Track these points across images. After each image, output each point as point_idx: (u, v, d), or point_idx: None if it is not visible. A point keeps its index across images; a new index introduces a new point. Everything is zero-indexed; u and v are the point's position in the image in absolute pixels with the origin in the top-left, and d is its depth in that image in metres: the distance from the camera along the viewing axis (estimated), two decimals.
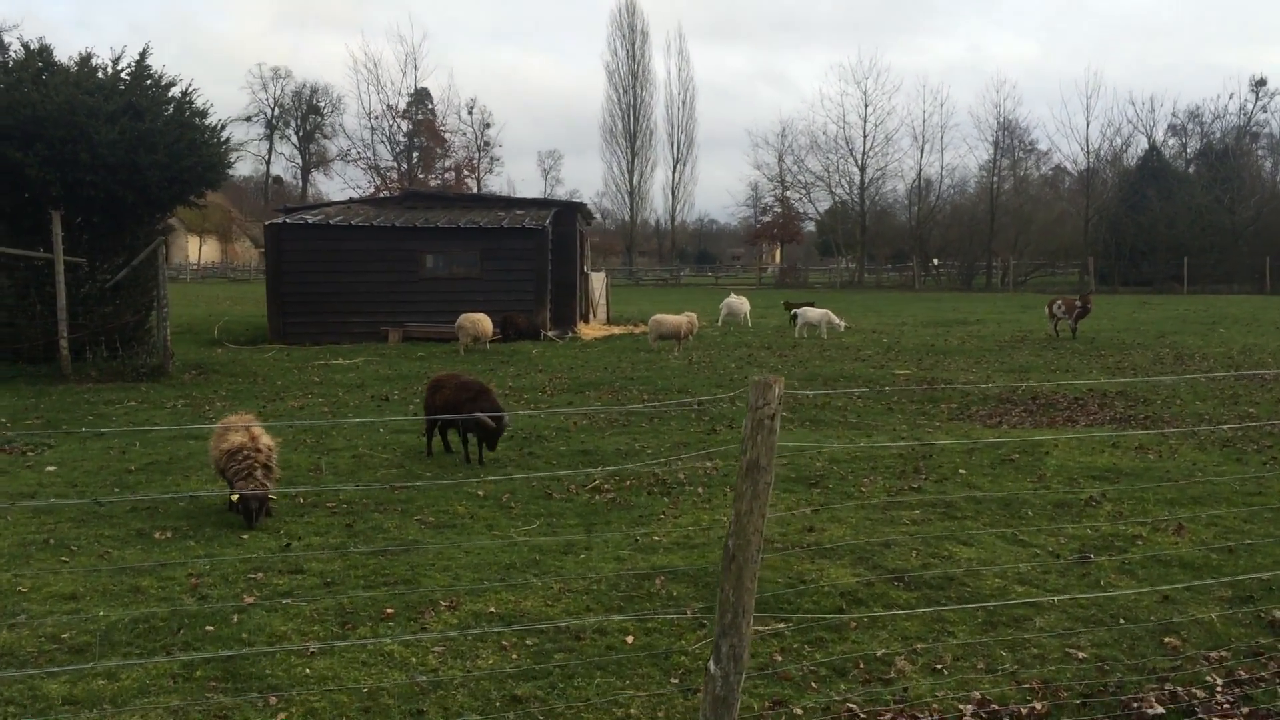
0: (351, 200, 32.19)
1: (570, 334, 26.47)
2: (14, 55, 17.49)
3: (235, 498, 7.96)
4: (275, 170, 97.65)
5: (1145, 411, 13.99)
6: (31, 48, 17.73)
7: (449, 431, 11.05)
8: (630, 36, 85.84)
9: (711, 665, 3.78)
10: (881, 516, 8.36)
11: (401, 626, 5.94)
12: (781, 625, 6.08)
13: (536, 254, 25.63)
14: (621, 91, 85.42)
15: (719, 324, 30.92)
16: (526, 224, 25.59)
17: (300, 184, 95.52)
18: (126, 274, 17.45)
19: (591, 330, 28.83)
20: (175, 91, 18.23)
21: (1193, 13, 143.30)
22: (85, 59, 17.91)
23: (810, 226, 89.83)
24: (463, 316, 21.79)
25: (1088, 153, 74.22)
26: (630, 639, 5.82)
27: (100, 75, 17.64)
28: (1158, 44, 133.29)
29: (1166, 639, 5.91)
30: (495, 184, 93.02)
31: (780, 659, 5.63)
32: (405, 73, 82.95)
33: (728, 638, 3.68)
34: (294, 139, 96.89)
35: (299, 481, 9.64)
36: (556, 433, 12.35)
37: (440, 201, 29.09)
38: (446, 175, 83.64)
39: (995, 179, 75.50)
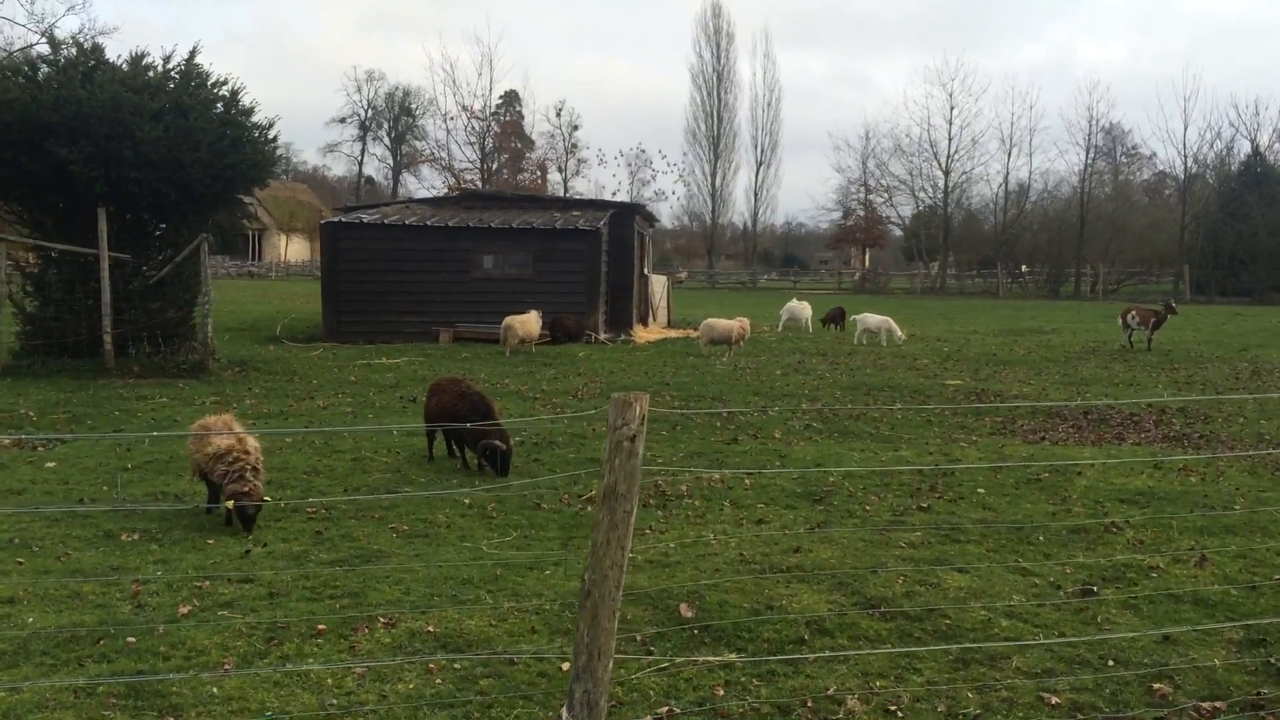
0: (410, 200, 32.32)
1: (624, 337, 26.15)
2: (65, 55, 17.72)
3: (230, 505, 7.78)
4: (368, 171, 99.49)
5: (1203, 430, 13.17)
6: (85, 46, 18.03)
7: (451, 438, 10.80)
8: (715, 39, 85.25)
9: (565, 713, 3.41)
10: (878, 538, 7.86)
11: (331, 645, 5.66)
12: (734, 656, 5.67)
13: (589, 255, 25.36)
14: (705, 94, 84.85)
15: (779, 329, 30.33)
16: (580, 225, 25.33)
17: (391, 184, 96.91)
18: (170, 270, 17.60)
19: (648, 333, 28.48)
20: (224, 91, 18.34)
21: None
22: (137, 58, 18.11)
23: (895, 231, 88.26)
24: (508, 318, 21.61)
25: (1185, 157, 71.67)
26: (566, 666, 5.44)
27: (150, 74, 17.80)
28: (1255, 45, 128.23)
29: (1157, 685, 5.36)
30: (582, 186, 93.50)
31: (722, 693, 5.22)
32: (481, 74, 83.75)
33: (582, 682, 3.31)
34: (386, 140, 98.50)
35: (290, 485, 9.47)
36: (570, 439, 12.03)
37: (497, 202, 28.99)
38: (533, 177, 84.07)
39: (1086, 184, 73.21)
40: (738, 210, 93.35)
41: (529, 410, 14.29)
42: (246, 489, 7.57)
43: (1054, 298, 66.14)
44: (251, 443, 7.95)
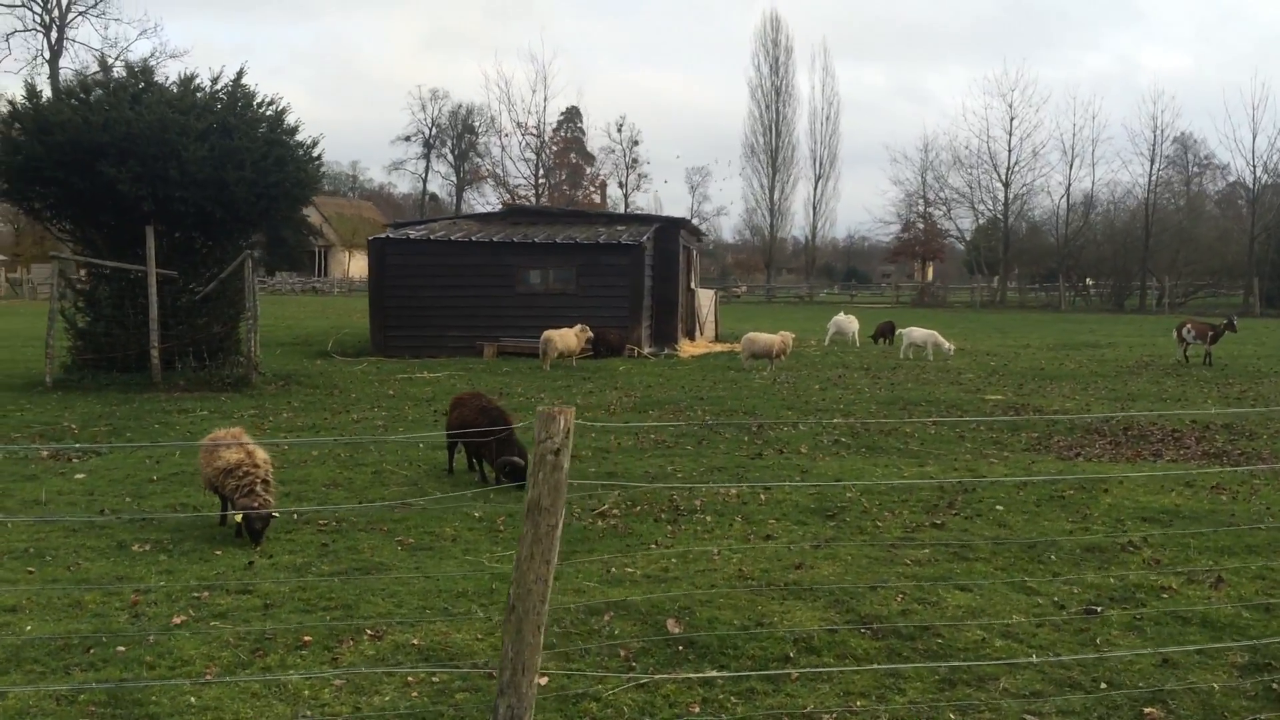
0: (458, 216, 32.69)
1: (668, 351, 26.13)
2: (116, 77, 18.20)
3: (239, 518, 7.90)
4: (432, 188, 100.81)
5: (1247, 447, 12.81)
6: (136, 68, 18.51)
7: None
8: (774, 52, 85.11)
9: None
10: (885, 555, 7.75)
11: (314, 657, 5.71)
12: (716, 673, 5.61)
13: (632, 270, 25.41)
14: (764, 107, 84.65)
15: (826, 343, 30.10)
16: (624, 240, 25.40)
17: (455, 201, 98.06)
18: (215, 286, 17.96)
19: (693, 347, 28.44)
20: (269, 111, 18.70)
21: None
22: (186, 80, 18.55)
23: (956, 245, 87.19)
24: (547, 332, 21.70)
25: (1254, 167, 69.93)
26: (545, 680, 5.43)
27: (198, 95, 18.21)
28: None
29: (1149, 709, 5.21)
30: (643, 201, 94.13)
31: (698, 710, 5.18)
32: (535, 91, 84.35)
33: (505, 698, 3.29)
34: (449, 157, 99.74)
35: (308, 498, 9.58)
36: (594, 453, 12.03)
37: (544, 217, 29.18)
38: (586, 193, 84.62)
39: (1151, 194, 71.74)
40: (797, 224, 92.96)
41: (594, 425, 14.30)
42: (256, 503, 7.68)
43: (1118, 311, 64.87)
44: (261, 455, 8.06)
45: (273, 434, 13.13)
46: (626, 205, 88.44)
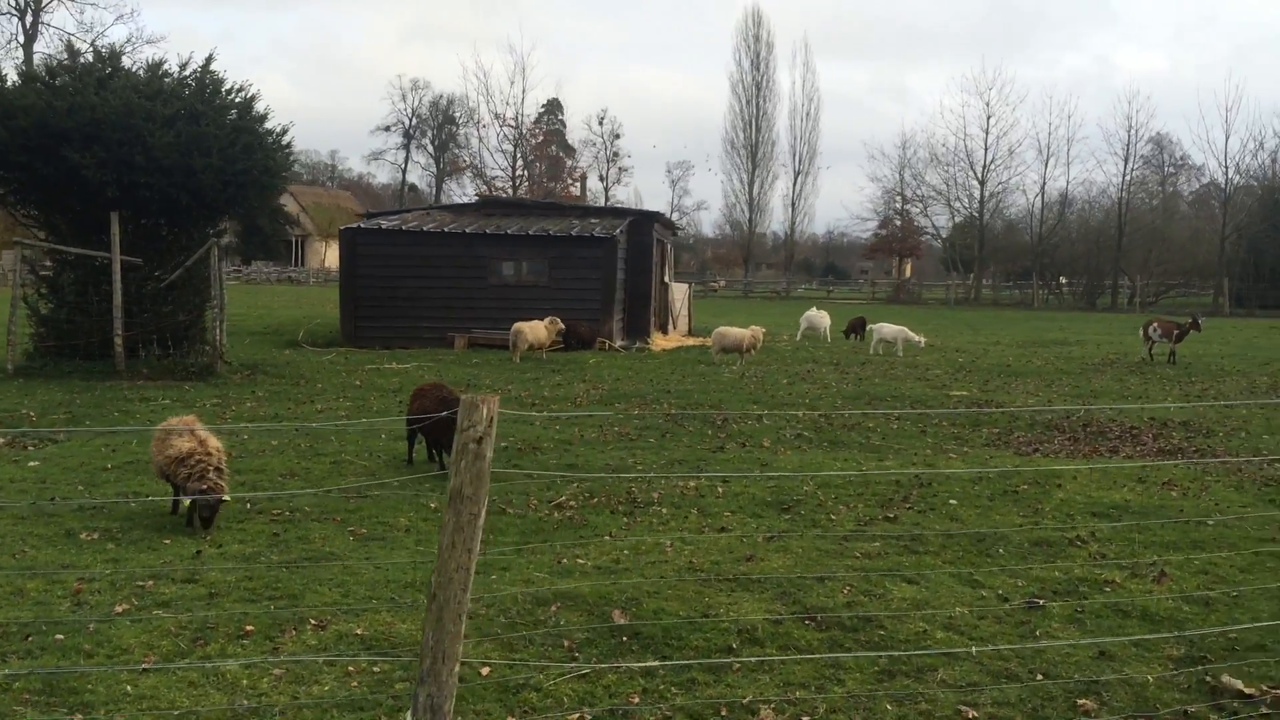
0: (431, 206, 32.50)
1: (640, 345, 26.14)
2: (83, 63, 18.04)
3: (188, 503, 7.87)
4: (412, 179, 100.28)
5: (1203, 444, 12.95)
6: (104, 53, 18.35)
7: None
8: (755, 47, 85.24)
9: (409, 717, 3.40)
10: (836, 548, 7.79)
11: (255, 646, 5.69)
12: (658, 663, 5.64)
13: (605, 263, 25.39)
14: (744, 103, 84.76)
15: (798, 338, 30.18)
16: (596, 233, 25.37)
17: (434, 192, 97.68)
18: (180, 274, 17.83)
19: (666, 341, 28.46)
20: (238, 97, 18.57)
21: None
22: (154, 66, 18.40)
23: (933, 241, 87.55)
24: (517, 324, 21.67)
25: (1226, 168, 70.60)
26: (486, 670, 5.45)
27: (166, 81, 18.07)
28: None
29: (1082, 700, 5.27)
30: (623, 194, 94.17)
31: (637, 701, 5.20)
32: (514, 83, 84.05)
33: (425, 686, 3.30)
34: (430, 148, 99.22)
35: (263, 487, 9.54)
36: (556, 444, 12.04)
37: (518, 209, 29.12)
38: (563, 186, 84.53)
39: (1124, 194, 72.28)
40: (776, 220, 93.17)
41: (524, 417, 14.29)
42: (206, 487, 7.64)
43: (1090, 310, 65.38)
44: (214, 444, 8.01)
45: (234, 422, 13.06)
46: (607, 198, 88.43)
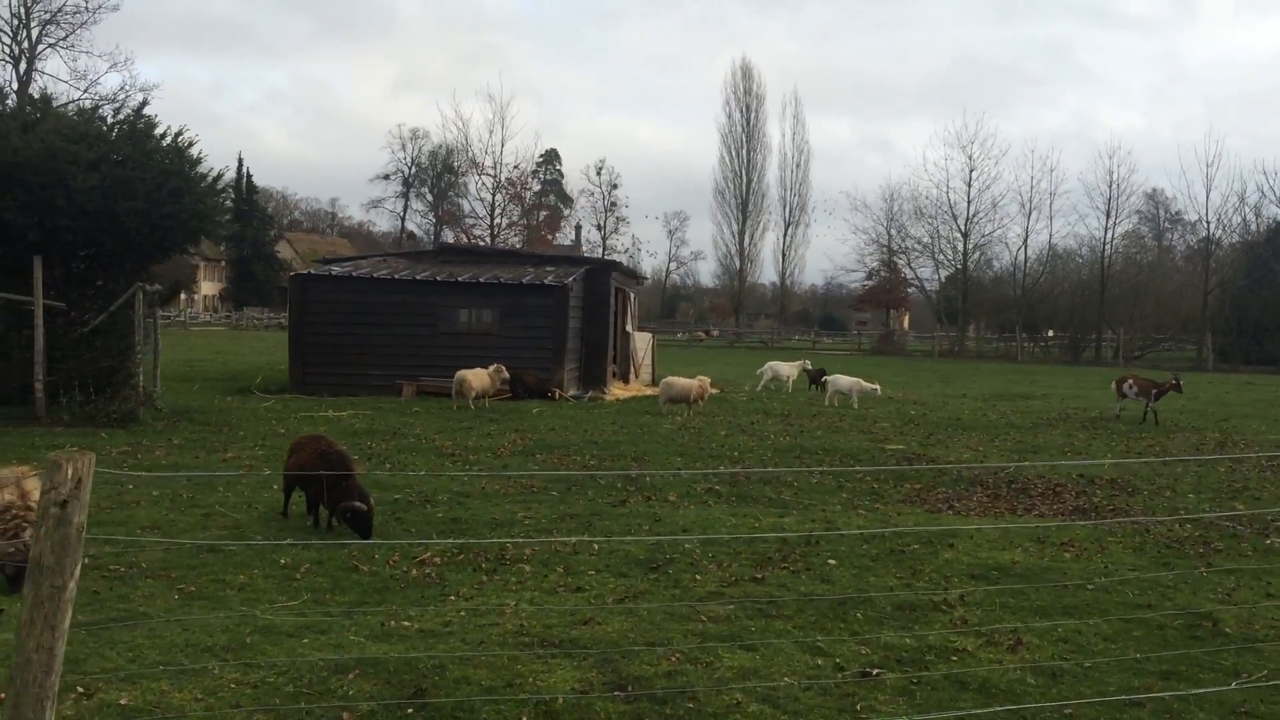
0: (386, 253, 32.35)
1: (593, 394, 25.80)
2: (9, 105, 17.89)
3: None
4: (411, 227, 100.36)
5: (1122, 503, 12.58)
6: (34, 98, 18.23)
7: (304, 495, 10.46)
8: (745, 100, 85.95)
9: None
10: (686, 611, 7.42)
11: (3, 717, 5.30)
12: None
13: (556, 311, 25.12)
14: (734, 154, 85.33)
15: (759, 389, 29.82)
16: (548, 281, 25.14)
17: (433, 239, 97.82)
18: (104, 319, 17.54)
19: (625, 391, 28.12)
20: (172, 142, 18.40)
21: None
22: (88, 110, 18.26)
23: (918, 294, 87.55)
24: (461, 372, 21.36)
25: (1207, 223, 70.72)
26: None
27: (99, 125, 17.90)
28: (1271, 115, 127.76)
29: None
30: (621, 244, 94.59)
31: None
32: (493, 132, 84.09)
33: None
34: (429, 196, 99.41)
35: (113, 542, 9.14)
36: (451, 497, 11.66)
37: (473, 256, 28.93)
38: (541, 235, 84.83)
39: (1106, 247, 72.37)
40: (766, 270, 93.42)
41: (438, 468, 13.94)
42: (12, 549, 7.25)
43: (1074, 363, 65.11)
44: (35, 498, 7.63)
45: (131, 471, 12.68)
46: (605, 248, 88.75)
